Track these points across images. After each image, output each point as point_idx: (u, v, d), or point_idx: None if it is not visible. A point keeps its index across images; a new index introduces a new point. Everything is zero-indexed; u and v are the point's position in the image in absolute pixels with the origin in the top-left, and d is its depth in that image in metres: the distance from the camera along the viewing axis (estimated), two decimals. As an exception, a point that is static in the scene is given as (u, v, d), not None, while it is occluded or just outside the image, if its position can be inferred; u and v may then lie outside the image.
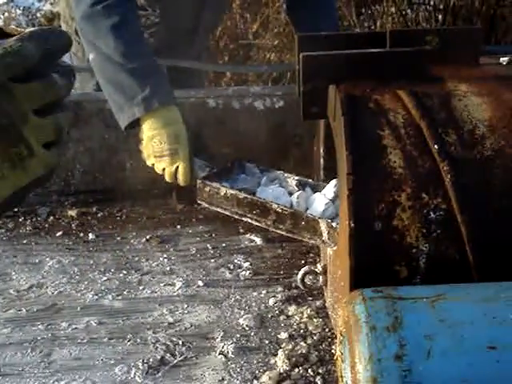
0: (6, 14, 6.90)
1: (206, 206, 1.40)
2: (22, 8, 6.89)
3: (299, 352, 1.43)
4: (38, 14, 6.56)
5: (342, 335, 0.99)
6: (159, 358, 1.43)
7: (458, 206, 0.98)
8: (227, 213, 1.38)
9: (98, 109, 1.92)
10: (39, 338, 1.51)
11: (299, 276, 1.41)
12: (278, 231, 1.32)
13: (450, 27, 2.59)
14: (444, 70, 1.10)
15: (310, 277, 1.42)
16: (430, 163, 1.00)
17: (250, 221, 1.37)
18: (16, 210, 2.02)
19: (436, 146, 0.99)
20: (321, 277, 1.38)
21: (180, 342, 1.47)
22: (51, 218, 2.00)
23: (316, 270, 1.38)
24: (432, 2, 3.57)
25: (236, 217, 1.41)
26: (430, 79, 1.09)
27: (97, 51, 1.67)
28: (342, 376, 1.02)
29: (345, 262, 1.04)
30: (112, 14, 1.66)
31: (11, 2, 7.28)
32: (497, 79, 1.10)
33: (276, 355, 1.42)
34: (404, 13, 3.66)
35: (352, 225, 0.99)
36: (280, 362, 1.40)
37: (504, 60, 1.15)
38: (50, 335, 1.52)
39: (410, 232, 0.99)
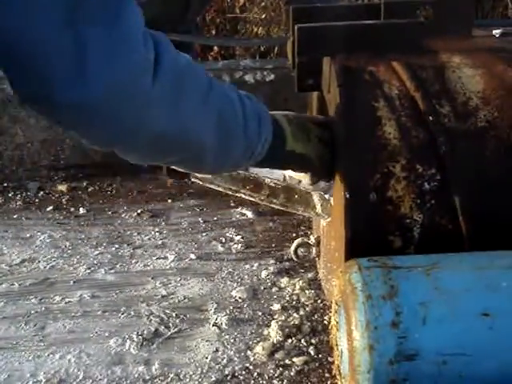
0: None
1: (200, 183, 1.40)
2: None
3: (292, 323, 1.44)
4: None
5: (337, 304, 1.00)
6: (153, 330, 1.44)
7: (452, 176, 1.00)
8: (221, 189, 1.39)
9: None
10: (33, 311, 1.52)
11: (292, 248, 1.42)
12: (272, 205, 1.32)
13: None
14: (438, 41, 1.11)
15: (303, 249, 1.43)
16: (424, 134, 1.01)
17: (243, 196, 1.37)
18: (5, 185, 2.01)
19: (430, 118, 1.00)
20: (314, 248, 1.39)
21: (174, 315, 1.48)
22: (41, 192, 1.99)
23: (309, 241, 1.40)
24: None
25: (230, 193, 1.41)
26: (424, 51, 1.09)
27: None
28: (337, 344, 1.04)
29: (339, 233, 1.05)
30: None
31: None
32: (490, 51, 1.10)
33: (269, 326, 1.44)
34: (392, -14, 3.64)
35: (347, 196, 1.00)
36: (273, 332, 1.41)
37: (497, 32, 1.16)
38: (43, 309, 1.52)
39: (404, 202, 1.01)
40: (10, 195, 1.99)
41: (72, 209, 1.91)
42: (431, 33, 1.11)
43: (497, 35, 1.16)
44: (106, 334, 1.44)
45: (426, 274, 0.90)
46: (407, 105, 1.03)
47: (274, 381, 1.31)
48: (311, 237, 1.42)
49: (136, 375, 1.32)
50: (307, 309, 1.49)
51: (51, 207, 1.92)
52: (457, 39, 1.12)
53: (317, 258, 1.44)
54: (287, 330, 1.42)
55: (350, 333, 0.89)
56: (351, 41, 1.09)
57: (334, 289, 1.03)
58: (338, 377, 1.04)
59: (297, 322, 1.45)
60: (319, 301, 1.51)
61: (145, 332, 1.43)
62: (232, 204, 1.91)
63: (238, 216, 1.86)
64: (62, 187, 2.00)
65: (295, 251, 1.42)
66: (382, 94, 1.03)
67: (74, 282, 1.62)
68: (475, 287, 0.89)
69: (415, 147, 1.01)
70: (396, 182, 1.00)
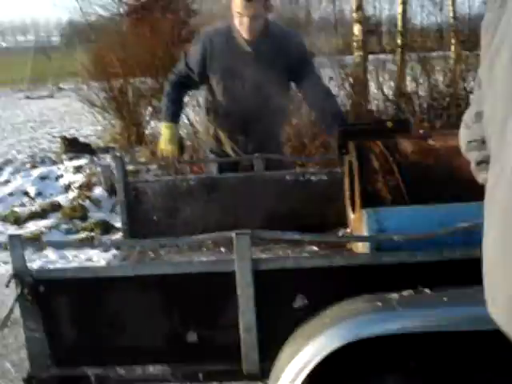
0: (88, 170, 8.83)
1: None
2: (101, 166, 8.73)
3: None
4: (114, 172, 8.31)
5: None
6: None
7: (402, 184, 2.56)
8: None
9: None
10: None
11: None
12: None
13: (399, 119, 4.32)
14: (396, 135, 2.71)
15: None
16: (389, 166, 2.58)
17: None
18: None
19: (391, 158, 2.58)
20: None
21: None
22: None
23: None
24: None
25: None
26: (391, 138, 2.69)
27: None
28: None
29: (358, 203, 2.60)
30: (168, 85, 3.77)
31: (92, 163, 9.22)
32: (419, 137, 2.71)
33: None
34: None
35: (360, 190, 2.56)
36: None
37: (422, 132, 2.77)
38: None
39: (385, 191, 2.56)
40: None
41: None
42: (393, 132, 2.72)
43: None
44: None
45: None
46: (382, 158, 2.61)
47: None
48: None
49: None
50: None
51: None
52: (403, 135, 2.73)
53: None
54: None
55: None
56: (360, 135, 2.71)
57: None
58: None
59: None
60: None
61: None
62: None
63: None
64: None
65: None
66: (373, 153, 2.63)
67: None
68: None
69: (387, 172, 2.58)
70: (382, 183, 2.56)
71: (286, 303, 2.15)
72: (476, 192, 2.47)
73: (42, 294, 2.19)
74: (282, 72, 3.58)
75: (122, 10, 19.80)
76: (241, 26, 3.51)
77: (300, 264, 2.15)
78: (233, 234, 2.11)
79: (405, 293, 2.05)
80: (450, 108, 5.18)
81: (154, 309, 2.22)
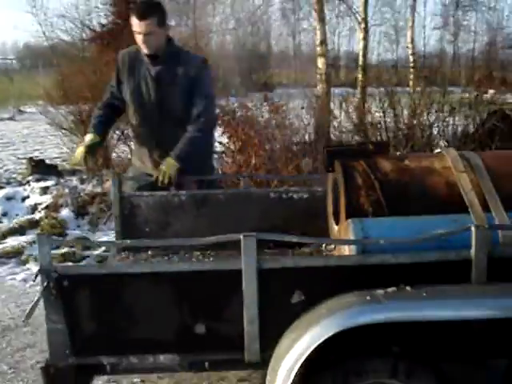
0: (55, 192, 8.94)
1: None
2: (69, 187, 8.86)
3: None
4: (82, 193, 8.46)
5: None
6: None
7: (382, 197, 2.90)
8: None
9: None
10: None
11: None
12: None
13: (377, 141, 4.71)
14: (376, 156, 3.06)
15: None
16: (371, 182, 2.93)
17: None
18: None
19: (373, 177, 2.93)
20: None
21: None
22: None
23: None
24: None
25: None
26: (372, 158, 3.04)
27: None
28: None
29: (343, 217, 2.93)
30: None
31: (59, 184, 9.33)
32: (397, 158, 3.06)
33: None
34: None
35: (347, 200, 2.90)
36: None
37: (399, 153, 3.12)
38: None
39: (368, 204, 2.90)
40: None
41: None
42: (373, 153, 3.07)
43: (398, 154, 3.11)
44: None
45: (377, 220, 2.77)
46: (365, 174, 2.96)
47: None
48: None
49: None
50: None
51: None
52: (381, 155, 3.08)
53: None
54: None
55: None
56: (345, 156, 3.05)
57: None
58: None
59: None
60: None
61: None
62: None
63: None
64: None
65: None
66: (357, 171, 2.97)
67: None
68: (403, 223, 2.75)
69: (369, 188, 2.92)
70: (365, 198, 2.90)
71: (286, 298, 2.45)
72: (444, 206, 2.85)
73: (66, 288, 2.43)
74: (181, 90, 3.86)
75: (84, 35, 20.03)
76: (138, 42, 3.85)
77: (299, 263, 2.45)
78: (241, 236, 2.40)
79: (389, 289, 2.37)
80: (414, 138, 5.69)
81: (166, 303, 2.48)
